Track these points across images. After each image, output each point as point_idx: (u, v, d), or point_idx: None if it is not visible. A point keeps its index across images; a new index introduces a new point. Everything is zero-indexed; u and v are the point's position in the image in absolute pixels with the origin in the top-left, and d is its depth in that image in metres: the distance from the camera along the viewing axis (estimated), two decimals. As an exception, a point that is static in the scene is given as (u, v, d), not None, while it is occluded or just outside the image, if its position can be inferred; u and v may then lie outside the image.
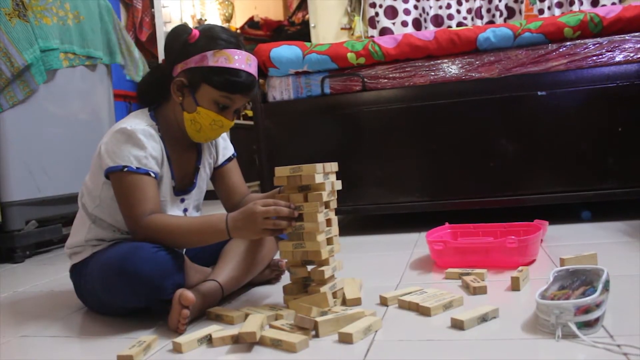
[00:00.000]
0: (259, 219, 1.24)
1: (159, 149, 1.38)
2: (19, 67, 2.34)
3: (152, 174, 1.35)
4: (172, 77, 1.40)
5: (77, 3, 2.69)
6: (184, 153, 1.49)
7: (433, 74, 2.29)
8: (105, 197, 1.40)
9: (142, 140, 1.34)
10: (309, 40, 3.99)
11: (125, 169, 1.32)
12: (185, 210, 1.51)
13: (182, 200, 1.49)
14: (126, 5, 4.52)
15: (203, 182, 1.56)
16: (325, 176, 1.31)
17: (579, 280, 1.16)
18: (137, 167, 1.32)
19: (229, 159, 1.62)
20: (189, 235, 1.32)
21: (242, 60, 1.36)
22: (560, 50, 2.18)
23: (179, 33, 1.38)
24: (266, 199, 1.32)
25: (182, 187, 1.49)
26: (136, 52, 3.08)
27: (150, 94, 1.47)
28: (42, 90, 2.52)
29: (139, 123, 1.38)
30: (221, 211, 1.43)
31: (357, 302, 1.33)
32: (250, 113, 5.60)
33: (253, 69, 1.39)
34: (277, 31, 6.39)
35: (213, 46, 1.35)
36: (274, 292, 1.52)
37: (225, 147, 1.62)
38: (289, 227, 1.27)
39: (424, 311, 1.22)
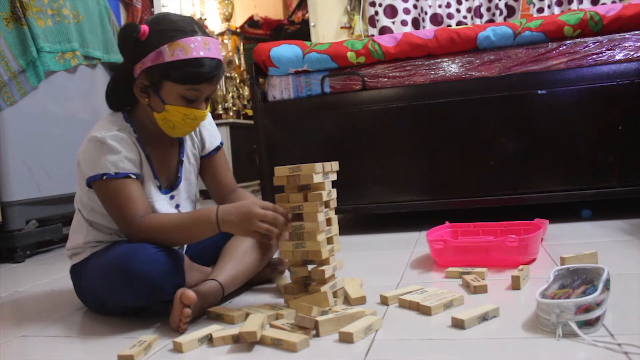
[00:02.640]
0: (255, 220, 1.23)
1: (134, 150, 1.36)
2: (14, 73, 2.35)
3: (133, 176, 1.34)
4: (134, 80, 1.35)
5: (75, 3, 2.70)
6: (165, 150, 1.47)
7: (433, 72, 2.29)
8: (94, 204, 1.40)
9: (113, 145, 1.32)
10: (308, 39, 3.99)
11: (105, 177, 1.31)
12: (177, 206, 1.49)
13: (172, 197, 1.48)
14: (126, 4, 4.51)
15: (190, 174, 1.54)
16: (325, 175, 1.31)
17: (580, 279, 1.16)
18: (115, 173, 1.31)
19: (217, 149, 1.58)
20: (181, 231, 1.31)
21: (199, 47, 1.29)
22: (560, 48, 2.18)
23: (128, 33, 1.31)
24: (265, 202, 1.30)
25: (169, 185, 1.48)
26: None
27: (118, 98, 1.43)
28: (42, 89, 2.52)
29: (109, 129, 1.35)
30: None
31: (361, 300, 1.33)
32: (250, 112, 5.61)
33: (214, 52, 1.32)
34: (276, 30, 6.40)
35: (165, 40, 1.28)
36: (275, 292, 1.52)
37: (212, 135, 1.58)
38: (278, 236, 1.26)
39: (424, 310, 1.22)
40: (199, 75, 1.30)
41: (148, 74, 1.32)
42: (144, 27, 1.31)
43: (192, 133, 1.54)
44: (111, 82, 1.44)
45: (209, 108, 1.41)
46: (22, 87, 2.42)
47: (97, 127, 1.37)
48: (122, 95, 1.42)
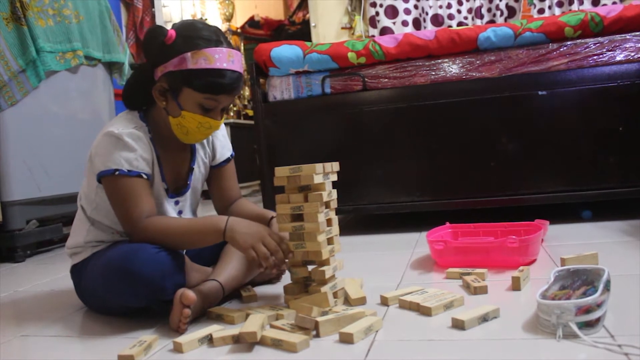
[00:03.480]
0: (259, 240, 1.25)
1: (148, 150, 1.37)
2: (14, 72, 2.36)
3: (144, 176, 1.34)
4: (154, 81, 1.36)
5: (76, 3, 2.70)
6: (176, 154, 1.47)
7: (434, 73, 2.29)
8: (101, 200, 1.39)
9: (130, 142, 1.32)
10: (309, 39, 3.99)
11: (117, 173, 1.30)
12: (180, 212, 1.49)
13: (177, 203, 1.48)
14: (127, 4, 4.52)
15: (198, 182, 1.54)
16: (326, 176, 1.31)
17: (580, 280, 1.16)
18: (128, 170, 1.31)
19: (227, 160, 1.59)
20: (186, 236, 1.31)
21: (223, 59, 1.30)
22: (561, 49, 2.18)
23: (155, 35, 1.31)
24: (278, 233, 1.32)
25: (176, 190, 1.48)
26: (126, 56, 3.08)
27: (136, 97, 1.43)
28: (43, 89, 2.52)
29: (126, 126, 1.35)
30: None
31: (361, 301, 1.33)
32: (251, 112, 5.61)
33: (237, 65, 1.33)
34: (277, 30, 6.40)
35: (191, 47, 1.29)
36: (275, 292, 1.52)
37: (223, 147, 1.59)
38: (271, 266, 1.28)
39: (424, 311, 1.22)
40: (219, 86, 1.30)
41: (169, 78, 1.32)
42: (171, 32, 1.31)
43: (205, 142, 1.55)
44: (131, 80, 1.44)
45: (224, 119, 1.41)
46: (23, 86, 2.42)
47: (114, 123, 1.37)
48: (140, 95, 1.42)
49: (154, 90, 1.36)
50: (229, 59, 1.31)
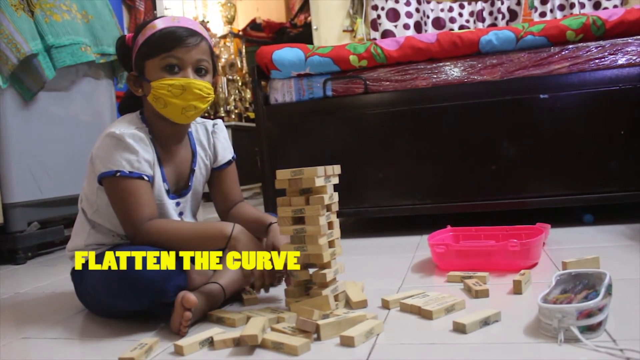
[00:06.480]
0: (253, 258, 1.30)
1: (150, 151, 1.37)
2: (25, 53, 2.33)
3: (146, 177, 1.34)
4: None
5: (83, 3, 2.70)
6: (177, 154, 1.47)
7: (435, 76, 2.29)
8: (102, 203, 1.39)
9: (131, 144, 1.32)
10: (311, 42, 3.99)
11: (118, 174, 1.31)
12: (181, 214, 1.49)
13: (178, 204, 1.48)
14: (128, 7, 4.53)
15: (199, 184, 1.54)
16: (327, 179, 1.31)
17: (582, 283, 1.16)
18: (129, 172, 1.31)
19: (228, 163, 1.60)
20: (189, 241, 1.31)
21: (166, 22, 1.36)
22: (563, 53, 2.18)
23: (119, 43, 1.44)
24: (274, 251, 1.36)
25: (177, 191, 1.48)
26: None
27: (131, 106, 1.49)
28: (45, 91, 2.52)
29: (128, 127, 1.35)
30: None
31: (362, 304, 1.33)
32: (252, 115, 5.61)
33: (183, 23, 1.37)
34: (279, 33, 6.41)
35: (140, 29, 1.38)
36: (276, 295, 1.52)
37: (224, 149, 1.59)
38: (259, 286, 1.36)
39: (425, 314, 1.22)
40: (167, 41, 1.34)
41: (135, 65, 1.39)
42: (129, 35, 1.42)
43: (206, 144, 1.55)
44: (123, 94, 1.53)
45: (207, 84, 1.37)
46: (40, 77, 2.42)
47: (116, 124, 1.38)
48: (131, 104, 1.48)
49: (128, 82, 1.41)
50: (172, 20, 1.37)
